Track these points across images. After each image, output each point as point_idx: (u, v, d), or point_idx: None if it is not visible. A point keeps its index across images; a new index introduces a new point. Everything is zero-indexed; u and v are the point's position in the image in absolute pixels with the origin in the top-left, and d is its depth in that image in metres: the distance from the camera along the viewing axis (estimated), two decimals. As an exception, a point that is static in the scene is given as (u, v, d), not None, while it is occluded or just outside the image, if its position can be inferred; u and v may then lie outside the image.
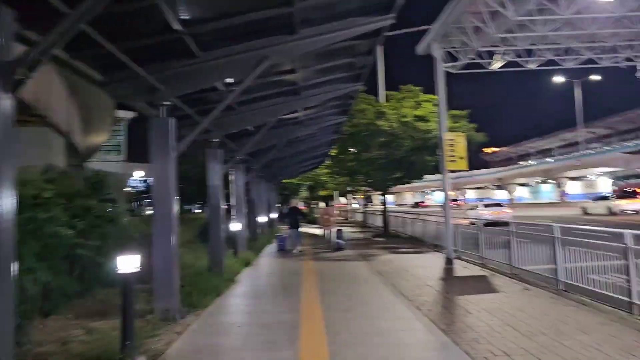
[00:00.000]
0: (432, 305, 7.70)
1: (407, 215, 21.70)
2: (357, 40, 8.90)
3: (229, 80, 8.75)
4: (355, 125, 22.15)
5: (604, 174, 73.34)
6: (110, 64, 6.81)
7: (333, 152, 26.07)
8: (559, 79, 67.21)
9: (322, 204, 44.93)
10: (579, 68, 17.98)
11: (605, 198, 35.70)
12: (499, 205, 33.34)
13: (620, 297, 6.99)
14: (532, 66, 15.68)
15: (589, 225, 10.04)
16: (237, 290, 9.77)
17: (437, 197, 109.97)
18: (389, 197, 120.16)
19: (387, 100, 22.72)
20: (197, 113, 9.66)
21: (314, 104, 12.74)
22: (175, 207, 7.40)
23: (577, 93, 67.42)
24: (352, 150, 24.10)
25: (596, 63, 15.83)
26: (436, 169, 22.34)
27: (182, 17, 6.14)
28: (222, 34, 7.12)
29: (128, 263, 5.04)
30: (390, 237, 21.99)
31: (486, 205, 32.34)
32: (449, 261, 13.00)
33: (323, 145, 23.32)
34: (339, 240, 17.31)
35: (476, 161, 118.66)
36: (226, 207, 13.58)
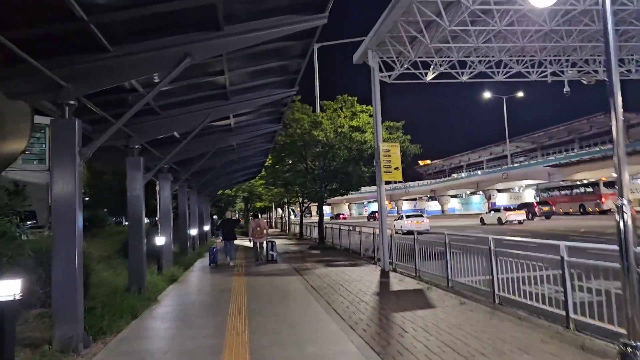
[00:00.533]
0: (367, 324, 7.22)
1: (343, 227, 21.36)
2: (289, 42, 8.39)
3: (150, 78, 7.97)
4: (291, 135, 21.66)
5: (528, 186, 77.16)
6: (3, 56, 5.90)
7: (268, 162, 25.43)
8: (487, 94, 70.70)
9: (262, 215, 44.02)
10: (510, 81, 18.45)
11: (497, 210, 42.52)
12: (420, 215, 38.13)
13: (557, 311, 6.81)
14: (464, 78, 15.84)
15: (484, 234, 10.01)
16: (157, 311, 8.89)
17: (359, 209, 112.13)
18: (326, 209, 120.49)
19: (323, 110, 22.46)
20: (113, 117, 8.78)
21: (245, 109, 12.08)
22: (80, 220, 6.50)
23: (504, 109, 70.53)
24: (288, 160, 23.58)
25: (525, 77, 16.25)
26: (372, 180, 22.24)
27: (85, 2, 5.35)
28: (137, 26, 6.38)
29: (6, 289, 4.17)
30: (327, 249, 21.56)
31: (408, 216, 36.00)
32: (384, 274, 12.68)
33: (258, 154, 22.59)
34: (271, 252, 16.87)
35: (410, 173, 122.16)
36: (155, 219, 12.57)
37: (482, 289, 8.89)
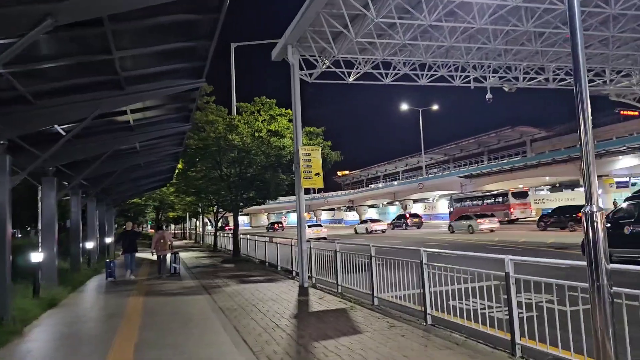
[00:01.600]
0: (282, 358, 5.93)
1: (259, 238, 19.97)
2: (192, 15, 6.99)
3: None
4: (204, 139, 19.99)
5: (442, 196, 79.78)
6: None
7: (179, 167, 23.49)
8: (405, 106, 72.37)
9: (166, 227, 41.29)
10: (432, 88, 18.12)
11: (365, 222, 50.77)
12: (319, 225, 46.91)
13: (501, 335, 5.92)
14: (388, 80, 15.16)
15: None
16: (17, 349, 7.03)
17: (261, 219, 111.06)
18: (244, 219, 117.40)
19: (240, 113, 21.04)
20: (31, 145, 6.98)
21: (144, 101, 10.44)
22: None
23: (420, 120, 72.47)
24: (202, 166, 21.81)
25: (449, 81, 15.88)
26: (291, 189, 21.05)
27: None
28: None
29: None
30: (241, 262, 20.03)
31: (309, 226, 40.56)
32: (303, 291, 11.48)
33: (167, 159, 20.65)
34: (174, 265, 16.22)
35: (329, 184, 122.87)
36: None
37: (410, 307, 7.93)
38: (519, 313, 5.70)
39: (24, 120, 8.58)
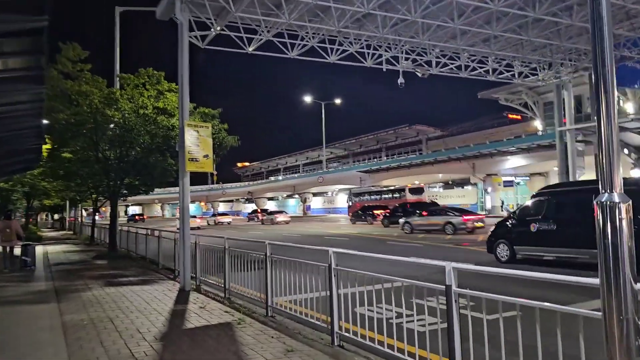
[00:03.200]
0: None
1: (141, 231, 17.39)
2: None
3: None
4: (78, 114, 16.97)
5: (342, 190, 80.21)
6: None
7: (47, 147, 20.03)
8: (308, 98, 71.41)
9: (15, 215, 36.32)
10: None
11: (215, 215, 61.64)
12: (194, 217, 48.93)
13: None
14: (294, 54, 13.46)
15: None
16: None
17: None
18: (136, 209, 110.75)
19: (123, 88, 18.25)
20: None
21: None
22: None
23: (323, 114, 71.94)
24: (75, 146, 18.62)
25: (360, 61, 14.54)
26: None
27: None
28: None
29: None
30: (118, 258, 17.33)
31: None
32: (183, 296, 9.45)
33: (29, 135, 17.31)
34: (24, 258, 14.79)
35: (228, 175, 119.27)
36: None
37: (313, 321, 6.31)
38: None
39: None
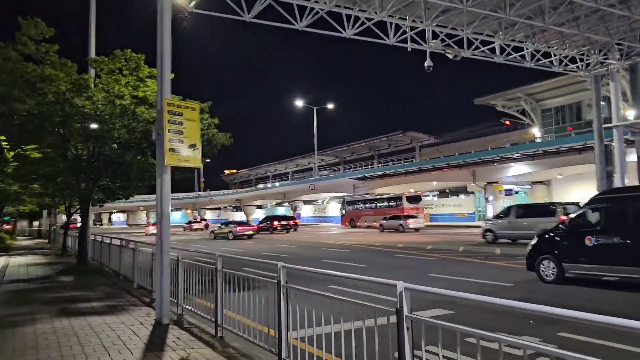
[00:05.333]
0: None
1: (115, 242, 14.82)
2: None
3: None
4: (41, 104, 14.39)
5: (333, 198, 77.81)
6: None
7: (5, 144, 17.42)
8: (300, 103, 69.13)
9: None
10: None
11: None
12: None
13: None
14: (302, 25, 11.08)
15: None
16: None
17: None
18: (120, 216, 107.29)
19: (99, 76, 15.74)
20: None
21: None
22: None
23: (314, 119, 69.63)
24: (37, 142, 16.02)
25: (382, 39, 12.15)
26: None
27: None
28: None
29: None
30: (87, 273, 14.70)
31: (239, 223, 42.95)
32: (159, 333, 6.96)
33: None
34: None
35: (216, 182, 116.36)
36: None
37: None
38: None
39: None
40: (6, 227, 64.37)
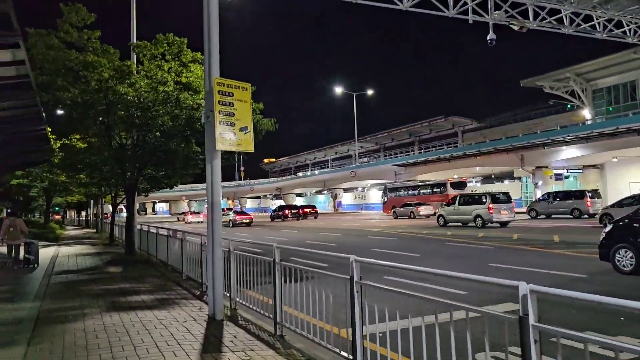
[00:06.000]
0: None
1: (161, 231, 14.56)
2: None
3: None
4: (85, 92, 14.17)
5: (374, 185, 76.83)
6: None
7: (52, 136, 17.40)
8: (339, 89, 68.21)
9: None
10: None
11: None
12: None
13: None
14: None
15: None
16: None
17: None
18: (163, 206, 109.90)
19: (141, 62, 15.42)
20: None
21: None
22: None
23: (354, 105, 68.60)
24: (83, 131, 15.87)
25: (441, 10, 11.27)
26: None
27: None
28: None
29: None
30: (135, 264, 14.49)
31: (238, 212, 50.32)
32: (214, 330, 6.44)
33: (27, 120, 14.73)
34: (27, 256, 14.52)
35: (256, 171, 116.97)
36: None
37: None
38: None
39: None
40: (56, 217, 66.55)
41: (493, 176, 59.82)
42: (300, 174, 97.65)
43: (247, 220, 44.35)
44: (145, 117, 13.77)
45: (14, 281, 11.67)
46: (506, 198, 27.44)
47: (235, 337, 6.09)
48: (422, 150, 73.44)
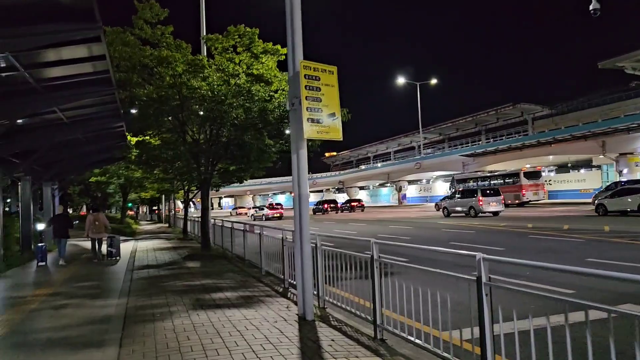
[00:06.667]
0: None
1: (237, 226, 14.43)
2: None
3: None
4: (160, 88, 14.22)
5: (439, 177, 74.79)
6: None
7: (130, 138, 17.75)
8: (402, 80, 66.76)
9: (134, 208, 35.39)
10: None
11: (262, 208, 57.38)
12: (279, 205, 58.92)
13: None
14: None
15: None
16: None
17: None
18: (228, 201, 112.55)
19: (211, 55, 15.33)
20: None
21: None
22: None
23: (418, 95, 66.92)
24: (156, 126, 15.99)
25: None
26: (280, 160, 15.61)
27: None
28: None
29: None
30: (212, 259, 14.44)
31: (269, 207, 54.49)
32: (307, 331, 5.99)
33: (110, 122, 15.06)
34: (110, 249, 15.41)
35: (317, 164, 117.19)
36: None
37: None
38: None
39: None
40: (130, 213, 69.57)
41: (569, 165, 56.53)
42: (363, 166, 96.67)
43: (278, 215, 48.83)
44: (219, 111, 13.61)
45: (99, 277, 11.83)
46: (493, 192, 33.59)
47: (333, 340, 5.60)
48: (489, 140, 70.52)
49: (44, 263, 14.21)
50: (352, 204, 61.23)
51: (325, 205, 58.67)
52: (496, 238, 17.53)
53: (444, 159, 63.48)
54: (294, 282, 8.77)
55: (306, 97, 6.57)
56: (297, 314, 6.95)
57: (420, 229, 23.89)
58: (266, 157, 15.73)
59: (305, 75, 6.61)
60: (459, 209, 34.18)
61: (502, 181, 47.29)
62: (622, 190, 26.52)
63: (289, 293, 8.65)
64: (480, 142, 71.78)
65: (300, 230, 6.90)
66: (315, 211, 57.73)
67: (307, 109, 6.56)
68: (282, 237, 9.45)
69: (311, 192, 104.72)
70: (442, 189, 72.43)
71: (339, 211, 58.09)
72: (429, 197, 77.24)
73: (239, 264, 12.84)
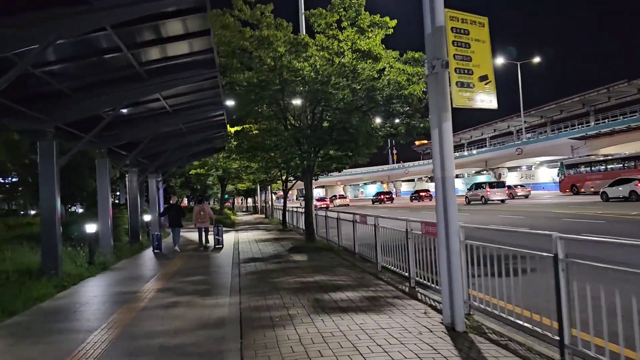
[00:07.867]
0: None
1: (343, 216, 13.40)
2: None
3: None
4: (260, 71, 13.49)
5: (543, 162, 69.60)
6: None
7: (229, 128, 17.34)
8: (500, 60, 62.51)
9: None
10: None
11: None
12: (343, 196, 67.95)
13: None
14: None
15: None
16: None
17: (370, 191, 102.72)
18: (319, 191, 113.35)
19: (311, 30, 14.40)
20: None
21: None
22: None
23: (519, 76, 62.40)
24: (257, 112, 15.34)
25: None
26: (390, 139, 14.25)
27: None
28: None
29: None
30: (317, 251, 13.52)
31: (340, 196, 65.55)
32: (464, 346, 4.74)
33: (211, 113, 14.71)
34: (217, 237, 16.13)
35: (408, 153, 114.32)
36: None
37: None
38: None
39: (64, 110, 9.13)
40: (227, 204, 71.70)
41: None
42: (457, 154, 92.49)
43: (324, 206, 52.28)
44: (324, 92, 12.57)
45: (206, 270, 11.33)
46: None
47: (493, 353, 4.31)
48: (600, 122, 64.12)
49: (159, 250, 14.94)
50: (421, 193, 64.61)
51: (382, 196, 65.23)
52: (637, 230, 15.06)
53: (549, 143, 58.74)
54: (424, 282, 7.58)
55: (454, 55, 5.26)
56: (441, 323, 5.72)
57: (536, 218, 21.51)
58: (374, 141, 14.53)
59: (452, 29, 5.29)
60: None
61: (622, 165, 42.45)
62: None
63: (418, 294, 7.43)
64: (590, 124, 65.52)
65: (445, 221, 5.64)
66: (373, 201, 64.03)
67: (455, 71, 5.25)
68: (406, 229, 8.21)
69: (403, 181, 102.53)
70: (545, 175, 67.37)
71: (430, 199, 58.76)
72: (532, 185, 72.06)
73: (348, 258, 11.80)
